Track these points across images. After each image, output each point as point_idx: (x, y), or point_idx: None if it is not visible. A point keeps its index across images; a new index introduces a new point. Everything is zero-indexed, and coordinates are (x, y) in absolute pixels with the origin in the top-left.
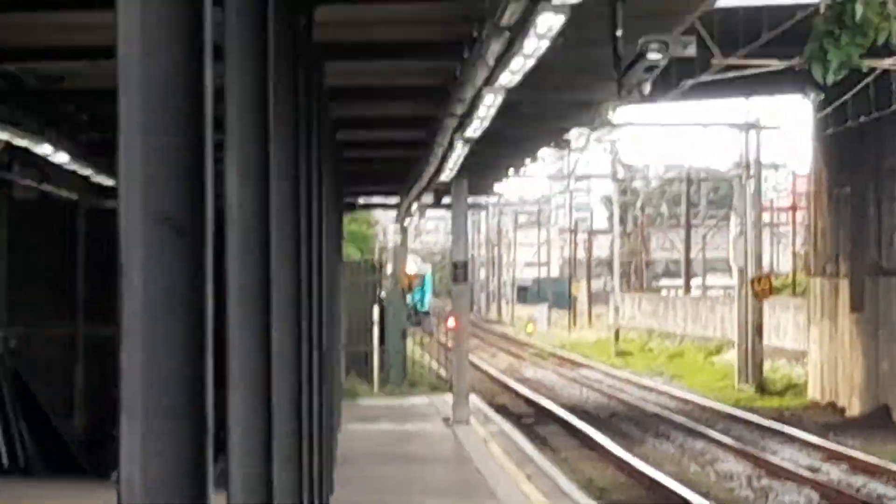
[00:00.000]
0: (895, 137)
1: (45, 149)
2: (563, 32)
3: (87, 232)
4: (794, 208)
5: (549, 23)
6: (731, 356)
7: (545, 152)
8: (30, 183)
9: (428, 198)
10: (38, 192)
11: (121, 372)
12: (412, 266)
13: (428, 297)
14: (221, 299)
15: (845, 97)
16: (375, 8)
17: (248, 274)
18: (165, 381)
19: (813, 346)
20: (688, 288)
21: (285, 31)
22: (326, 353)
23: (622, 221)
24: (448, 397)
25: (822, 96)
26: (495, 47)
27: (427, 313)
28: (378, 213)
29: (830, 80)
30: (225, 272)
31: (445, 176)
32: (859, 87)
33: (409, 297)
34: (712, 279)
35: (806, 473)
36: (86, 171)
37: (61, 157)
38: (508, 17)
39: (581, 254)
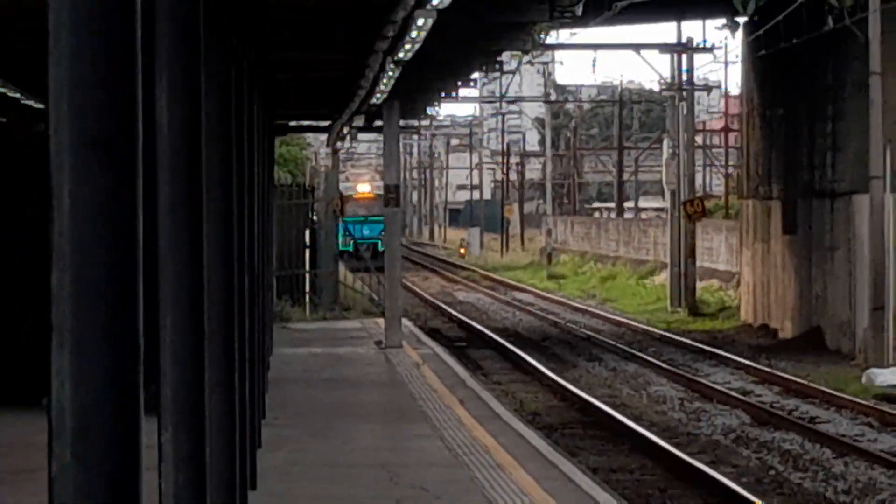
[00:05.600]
0: (827, 59)
1: None
2: None
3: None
4: (726, 130)
5: None
6: (663, 279)
7: (477, 75)
8: None
9: (359, 121)
10: None
11: (51, 294)
12: (364, 185)
13: None
14: (153, 222)
15: (777, 19)
16: None
17: (179, 196)
18: (95, 304)
19: (745, 269)
20: (620, 210)
21: None
22: (258, 277)
23: (554, 144)
24: (380, 321)
25: (756, 18)
26: None
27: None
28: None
29: (751, 9)
30: (156, 195)
31: (377, 99)
32: (790, 8)
33: (353, 230)
34: (645, 202)
35: (738, 396)
36: (14, 94)
37: None
38: None
39: (513, 176)
